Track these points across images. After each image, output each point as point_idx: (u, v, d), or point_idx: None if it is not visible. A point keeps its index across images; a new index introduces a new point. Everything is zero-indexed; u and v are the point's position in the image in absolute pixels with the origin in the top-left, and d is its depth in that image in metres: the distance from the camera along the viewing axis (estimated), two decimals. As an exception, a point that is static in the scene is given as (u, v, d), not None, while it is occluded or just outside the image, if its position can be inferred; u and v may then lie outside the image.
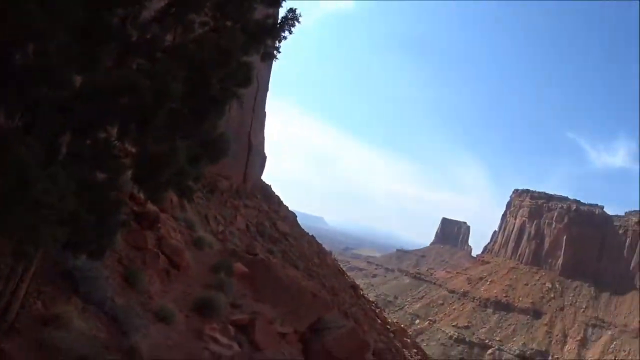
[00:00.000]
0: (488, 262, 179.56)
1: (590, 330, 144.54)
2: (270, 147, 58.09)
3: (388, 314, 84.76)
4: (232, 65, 6.42)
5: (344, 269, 70.81)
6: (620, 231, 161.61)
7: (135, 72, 5.75)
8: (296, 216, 59.30)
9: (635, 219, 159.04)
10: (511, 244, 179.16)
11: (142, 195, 12.88)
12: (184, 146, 5.70)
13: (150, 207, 12.33)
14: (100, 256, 6.41)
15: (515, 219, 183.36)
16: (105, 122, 5.21)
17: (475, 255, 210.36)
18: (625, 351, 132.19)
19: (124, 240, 10.91)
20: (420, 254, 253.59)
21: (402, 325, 74.92)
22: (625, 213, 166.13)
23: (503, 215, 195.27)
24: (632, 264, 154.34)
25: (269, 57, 7.64)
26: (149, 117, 5.08)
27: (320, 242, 59.74)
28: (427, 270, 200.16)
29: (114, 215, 6.16)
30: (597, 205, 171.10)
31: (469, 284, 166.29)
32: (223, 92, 6.36)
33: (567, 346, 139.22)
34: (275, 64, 54.65)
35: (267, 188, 61.90)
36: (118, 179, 5.87)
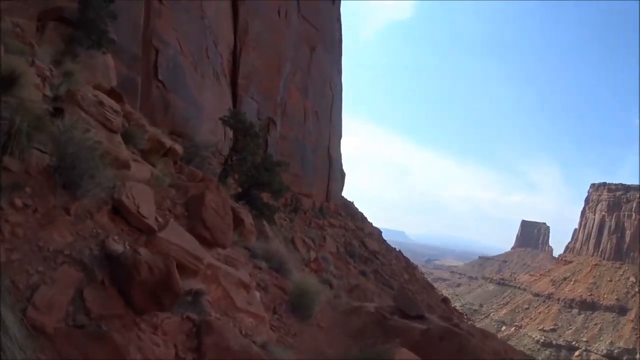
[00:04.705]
0: (571, 262, 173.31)
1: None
2: (345, 162, 52.75)
3: (475, 323, 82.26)
4: None
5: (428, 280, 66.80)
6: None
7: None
8: (381, 232, 55.75)
9: None
10: (592, 241, 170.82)
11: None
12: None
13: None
14: None
15: (595, 214, 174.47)
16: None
17: (557, 256, 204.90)
18: None
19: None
20: (502, 259, 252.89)
21: (490, 335, 68.87)
22: None
23: (582, 211, 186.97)
24: None
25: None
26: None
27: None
28: (510, 275, 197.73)
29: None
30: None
31: (552, 285, 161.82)
32: None
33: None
34: (344, 79, 51.69)
35: (349, 205, 58.97)
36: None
